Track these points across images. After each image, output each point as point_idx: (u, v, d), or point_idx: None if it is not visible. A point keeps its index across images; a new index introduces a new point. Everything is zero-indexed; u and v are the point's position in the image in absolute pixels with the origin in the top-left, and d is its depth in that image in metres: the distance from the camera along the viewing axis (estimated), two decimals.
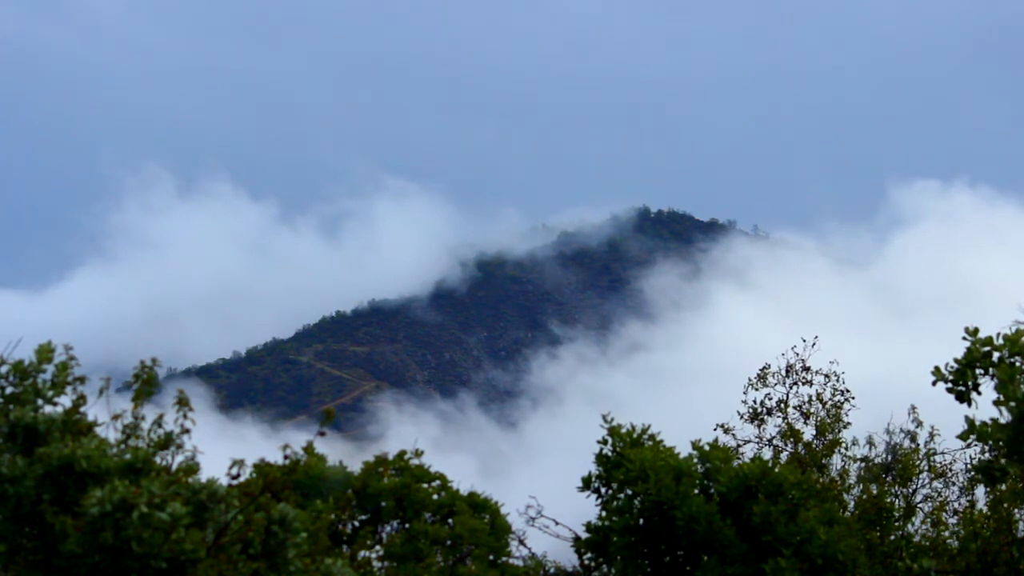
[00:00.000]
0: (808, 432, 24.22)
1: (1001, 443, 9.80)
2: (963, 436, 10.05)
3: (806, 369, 24.78)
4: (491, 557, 14.39)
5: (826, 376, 24.71)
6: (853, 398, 24.47)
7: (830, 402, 24.44)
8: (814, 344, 24.84)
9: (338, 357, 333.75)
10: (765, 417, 24.55)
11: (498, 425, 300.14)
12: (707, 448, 14.17)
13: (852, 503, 22.30)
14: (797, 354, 24.86)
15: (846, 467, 23.53)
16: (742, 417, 24.55)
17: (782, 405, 24.60)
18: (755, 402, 24.71)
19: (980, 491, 21.95)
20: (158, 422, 9.15)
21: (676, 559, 13.59)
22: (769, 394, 24.77)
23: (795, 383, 24.74)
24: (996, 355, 9.80)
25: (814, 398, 24.54)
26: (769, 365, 24.95)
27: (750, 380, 24.92)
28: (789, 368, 24.82)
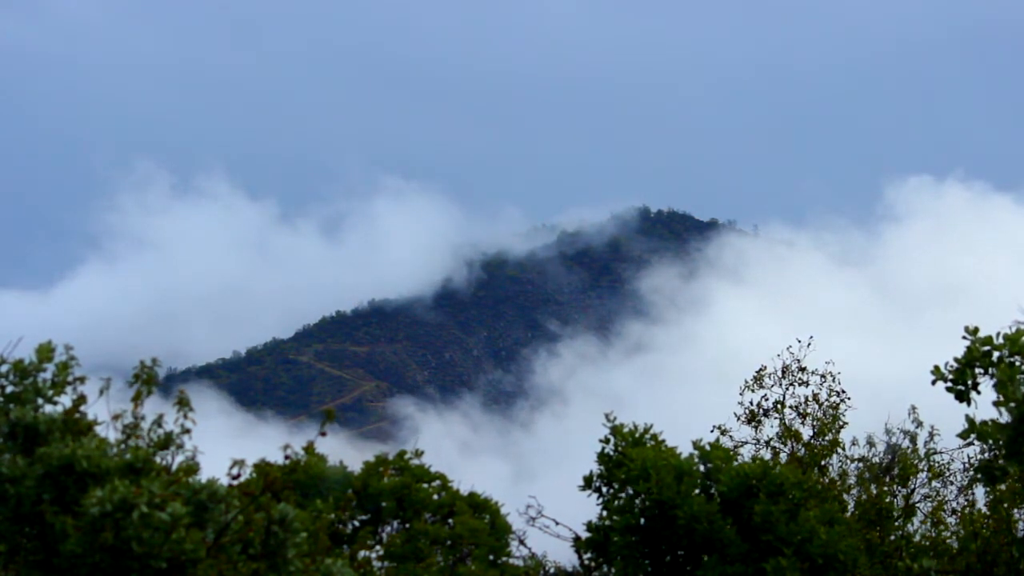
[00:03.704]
0: (806, 432, 24.18)
1: (1001, 443, 9.79)
2: (963, 435, 10.04)
3: (802, 370, 24.73)
4: (491, 557, 14.38)
5: (822, 376, 24.66)
6: (849, 398, 24.42)
7: (826, 402, 24.40)
8: (809, 344, 24.78)
9: (338, 357, 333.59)
10: (762, 419, 24.50)
11: (514, 426, 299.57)
12: (708, 448, 14.18)
13: (852, 503, 22.28)
14: (792, 354, 24.82)
15: (844, 467, 23.51)
16: (739, 419, 24.50)
17: (778, 406, 24.55)
18: (751, 403, 24.67)
19: (980, 491, 21.95)
20: (158, 422, 9.15)
21: (677, 559, 13.59)
22: (765, 395, 24.73)
23: (791, 384, 24.69)
24: (996, 354, 9.78)
25: (810, 399, 24.49)
26: (765, 367, 24.89)
27: (746, 382, 24.87)
28: (785, 369, 24.76)
